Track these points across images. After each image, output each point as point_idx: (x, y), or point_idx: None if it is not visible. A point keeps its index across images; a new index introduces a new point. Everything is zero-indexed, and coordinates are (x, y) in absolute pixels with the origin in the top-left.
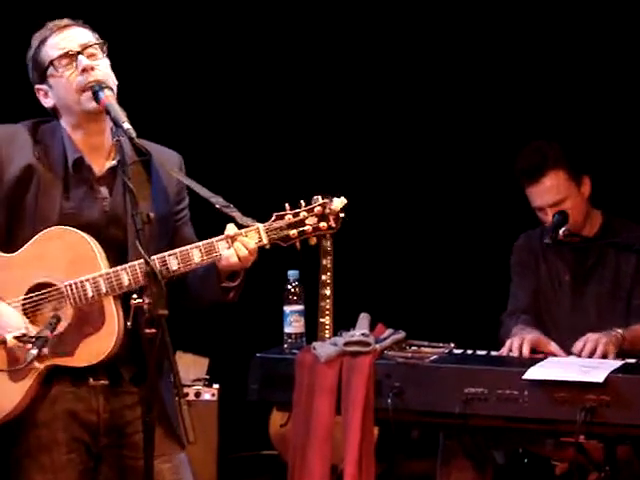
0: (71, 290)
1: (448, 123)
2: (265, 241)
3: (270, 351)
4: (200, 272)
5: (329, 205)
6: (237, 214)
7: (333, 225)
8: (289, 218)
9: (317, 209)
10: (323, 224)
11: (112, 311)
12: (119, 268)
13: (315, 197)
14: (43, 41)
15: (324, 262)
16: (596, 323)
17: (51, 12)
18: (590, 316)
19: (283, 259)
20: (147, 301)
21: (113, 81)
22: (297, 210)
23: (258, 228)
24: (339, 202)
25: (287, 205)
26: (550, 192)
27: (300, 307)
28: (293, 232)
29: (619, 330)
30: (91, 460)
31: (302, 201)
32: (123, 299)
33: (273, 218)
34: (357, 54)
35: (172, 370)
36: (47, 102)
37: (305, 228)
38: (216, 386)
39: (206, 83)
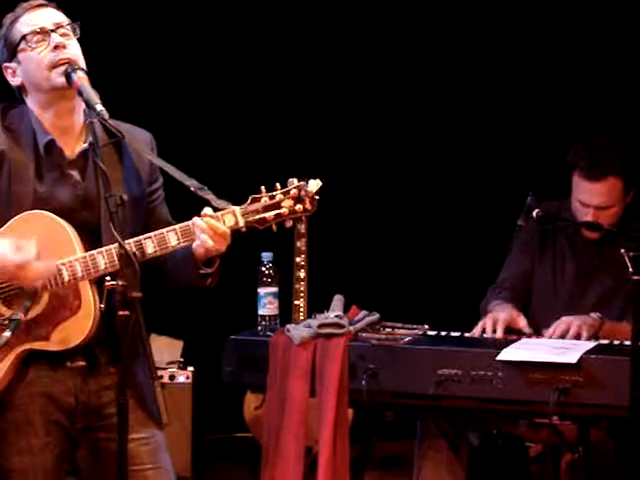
0: None
1: (418, 106)
2: (241, 224)
3: (244, 333)
4: (178, 257)
5: (305, 188)
6: (211, 196)
7: (309, 207)
8: (265, 201)
9: (293, 192)
10: (299, 207)
11: (88, 294)
12: (95, 252)
13: (290, 180)
14: (16, 19)
15: (298, 244)
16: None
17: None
18: (587, 309)
19: (257, 241)
20: (121, 283)
21: (83, 63)
22: (273, 193)
23: (234, 211)
24: (314, 184)
25: (263, 188)
26: (603, 196)
27: (274, 289)
28: (269, 215)
29: (596, 315)
30: (69, 443)
31: (278, 184)
32: (97, 281)
33: (249, 201)
34: (338, 40)
35: (146, 352)
36: (14, 80)
37: (281, 211)
38: (190, 369)
39: (183, 65)
